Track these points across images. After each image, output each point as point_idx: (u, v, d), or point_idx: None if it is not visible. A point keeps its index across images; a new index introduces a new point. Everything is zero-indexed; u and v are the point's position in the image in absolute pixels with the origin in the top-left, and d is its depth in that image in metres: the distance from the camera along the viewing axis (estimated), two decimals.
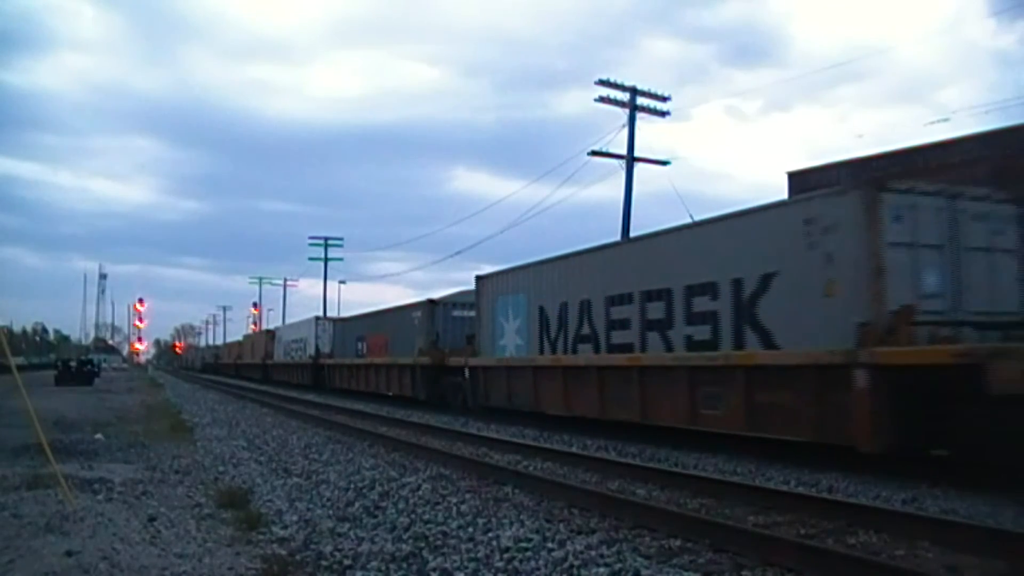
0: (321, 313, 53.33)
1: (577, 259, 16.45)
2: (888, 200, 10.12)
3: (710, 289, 12.45)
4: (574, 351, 16.03)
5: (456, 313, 23.93)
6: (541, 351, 17.23)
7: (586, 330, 15.65)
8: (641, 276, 14.14)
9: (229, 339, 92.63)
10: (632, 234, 23.24)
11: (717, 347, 12.28)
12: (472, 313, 20.77)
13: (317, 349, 36.74)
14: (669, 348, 13.36)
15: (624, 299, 14.48)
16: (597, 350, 15.28)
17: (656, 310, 13.68)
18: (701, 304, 12.68)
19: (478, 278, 20.69)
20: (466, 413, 20.16)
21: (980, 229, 10.64)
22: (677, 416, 12.87)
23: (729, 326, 12.09)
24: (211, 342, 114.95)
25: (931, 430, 9.33)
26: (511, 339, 18.56)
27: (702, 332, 12.61)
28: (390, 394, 26.44)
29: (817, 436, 10.46)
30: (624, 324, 14.49)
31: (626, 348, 14.41)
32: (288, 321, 56.15)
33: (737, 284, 11.92)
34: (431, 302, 24.78)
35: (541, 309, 17.23)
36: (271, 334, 51.03)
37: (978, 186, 10.80)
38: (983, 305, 10.39)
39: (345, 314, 42.82)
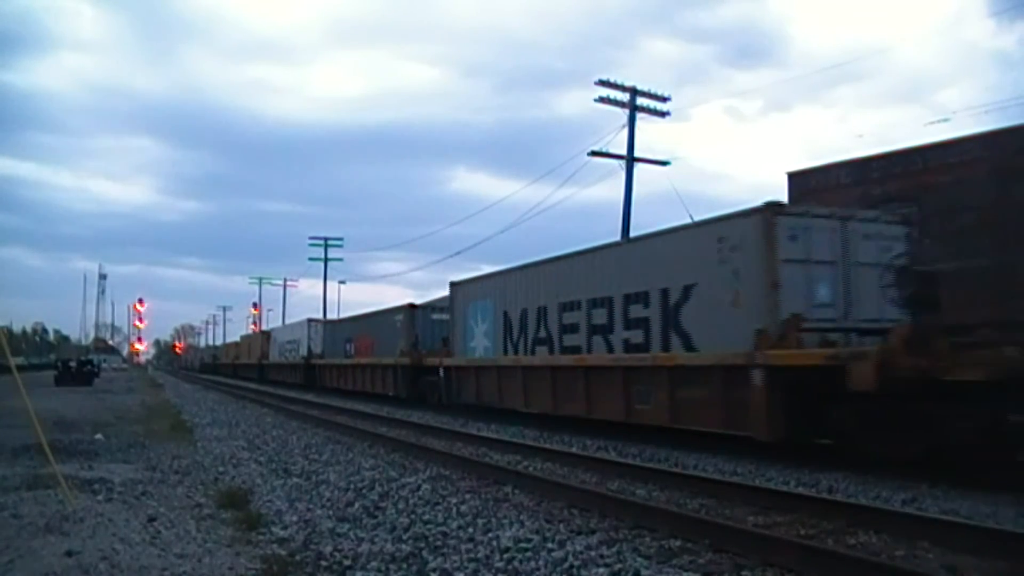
0: (321, 314, 53.70)
1: (536, 269, 17.96)
2: (784, 222, 11.57)
3: (643, 298, 13.98)
4: (532, 352, 17.59)
5: (435, 316, 25.13)
6: (505, 352, 18.74)
7: (543, 333, 17.20)
8: (588, 285, 15.63)
9: (229, 339, 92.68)
10: (632, 234, 23.77)
11: (648, 349, 13.79)
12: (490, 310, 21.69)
13: (309, 350, 38.19)
14: (610, 350, 14.86)
15: (574, 306, 16.05)
16: (551, 352, 16.80)
17: (600, 316, 15.22)
18: (636, 311, 14.19)
19: (452, 284, 22.08)
20: (441, 409, 21.43)
21: (870, 246, 12.02)
22: (616, 411, 14.37)
23: (658, 331, 13.59)
24: (211, 342, 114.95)
25: (814, 422, 10.74)
26: (480, 341, 20.05)
27: (636, 336, 14.16)
28: (374, 392, 27.88)
29: (725, 427, 11.97)
30: (574, 328, 16.02)
31: (575, 350, 15.92)
32: (287, 322, 57.26)
33: (664, 294, 13.44)
34: (412, 306, 26.25)
35: (505, 314, 18.77)
36: (267, 335, 52.37)
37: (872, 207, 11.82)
38: (872, 314, 11.69)
39: (345, 314, 43.81)
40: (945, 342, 9.43)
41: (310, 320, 41.35)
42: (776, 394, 10.90)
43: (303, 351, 39.13)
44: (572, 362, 15.81)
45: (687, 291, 12.99)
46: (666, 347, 13.38)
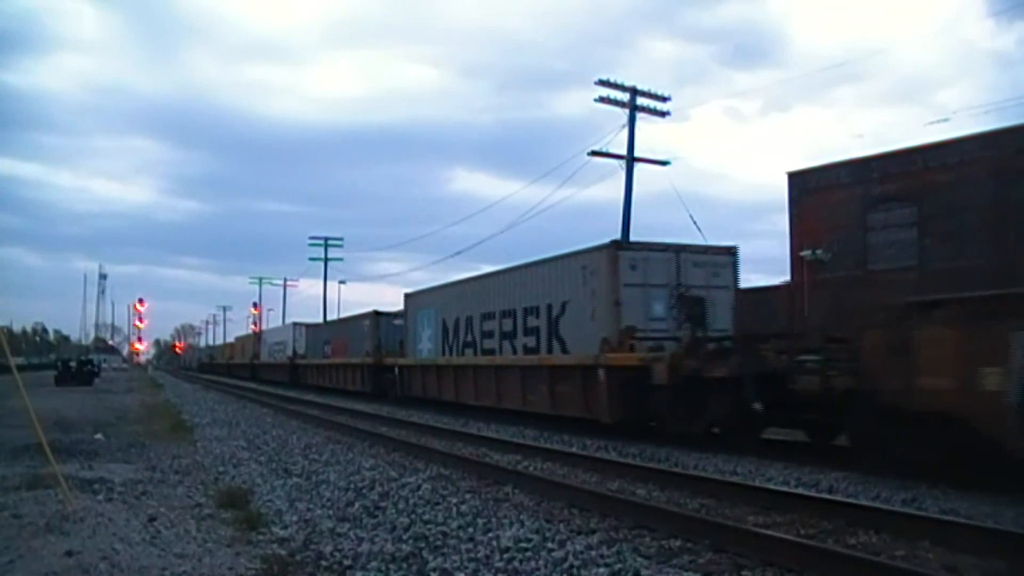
0: (321, 313, 53.82)
1: (466, 284, 21.79)
2: (625, 255, 15.03)
3: (535, 311, 17.52)
4: (462, 354, 21.24)
5: (396, 322, 27.89)
6: (443, 354, 22.41)
7: (469, 338, 20.81)
8: (500, 299, 19.21)
9: (229, 339, 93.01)
10: (631, 235, 24.77)
11: (538, 352, 17.29)
12: (435, 319, 24.78)
13: (294, 351, 41.76)
14: (514, 352, 18.40)
15: (491, 316, 19.56)
16: (475, 353, 20.41)
17: (507, 324, 18.77)
18: (531, 321, 17.66)
19: (406, 296, 26.15)
20: (396, 402, 25.14)
21: (700, 273, 15.41)
22: (516, 402, 17.93)
23: (545, 337, 17.07)
24: (211, 342, 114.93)
25: (640, 408, 13.95)
26: (425, 344, 23.83)
27: (531, 341, 17.71)
28: (346, 388, 31.66)
29: (585, 413, 15.39)
30: (491, 335, 19.60)
31: (491, 352, 19.53)
32: (286, 321, 57.69)
33: (549, 308, 16.96)
34: (376, 313, 29.79)
35: (444, 321, 22.38)
36: (258, 337, 56.40)
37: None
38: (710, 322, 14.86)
39: (344, 314, 45.03)
40: (707, 349, 13.03)
41: (295, 324, 44.56)
42: (614, 387, 14.22)
43: (289, 352, 42.60)
44: (487, 362, 19.53)
45: (564, 306, 16.41)
46: (549, 350, 16.85)
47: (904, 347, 9.01)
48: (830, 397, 10.21)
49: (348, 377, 31.89)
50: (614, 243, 15.35)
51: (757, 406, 11.73)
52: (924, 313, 9.39)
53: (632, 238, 23.10)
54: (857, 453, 10.16)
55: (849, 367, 9.99)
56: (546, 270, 17.28)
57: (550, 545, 6.28)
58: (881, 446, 9.51)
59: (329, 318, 48.89)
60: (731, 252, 16.01)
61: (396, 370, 26.05)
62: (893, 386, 9.05)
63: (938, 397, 8.58)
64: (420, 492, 8.82)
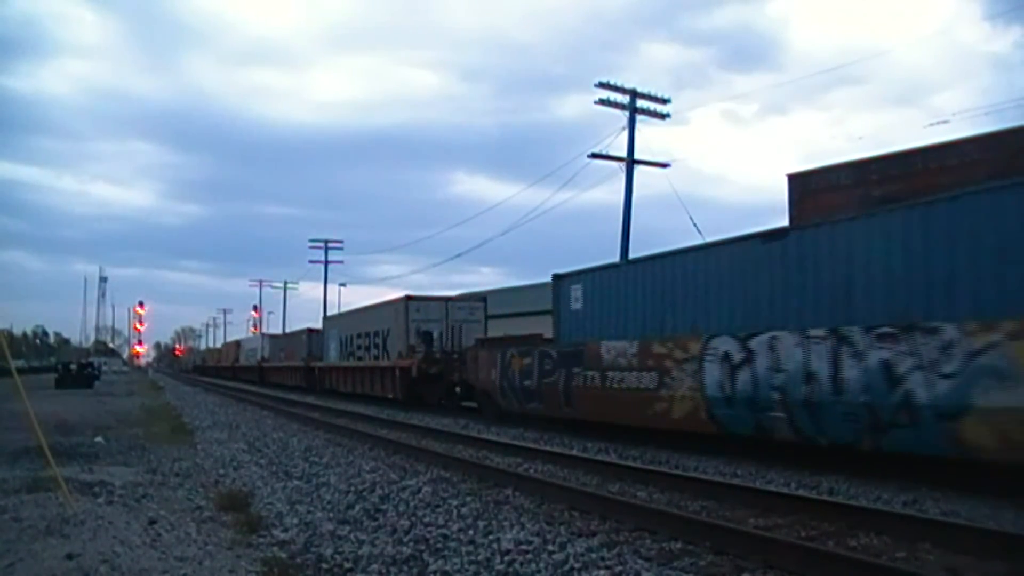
0: (321, 315, 54.54)
1: (352, 314, 33.38)
2: (412, 304, 25.49)
3: (377, 334, 28.17)
4: (348, 359, 31.86)
5: (326, 335, 36.93)
6: (339, 359, 33.29)
7: (350, 348, 31.61)
8: (364, 325, 29.97)
9: (221, 345, 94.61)
10: (632, 233, 26.45)
11: (378, 359, 27.69)
12: (338, 336, 34.73)
13: (262, 356, 51.19)
14: (369, 359, 29.00)
15: (361, 335, 30.22)
16: (353, 359, 31.08)
17: (366, 341, 29.42)
18: (377, 339, 28.09)
19: (324, 318, 39.77)
20: (317, 394, 34.27)
21: (461, 311, 25.87)
22: (367, 389, 28.51)
23: (381, 350, 27.58)
24: (211, 346, 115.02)
25: (416, 392, 24.04)
26: (332, 352, 34.53)
27: (376, 352, 28.18)
28: (291, 384, 41.18)
29: (392, 394, 25.46)
30: (359, 347, 30.31)
31: (360, 358, 30.15)
32: (288, 328, 62.88)
33: (379, 333, 27.84)
34: (309, 330, 40.89)
35: (340, 337, 33.26)
36: (238, 344, 65.91)
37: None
38: (462, 344, 24.02)
39: None
40: (432, 358, 23.80)
41: (263, 334, 57.90)
42: (400, 379, 24.82)
43: (258, 356, 51.97)
44: (356, 364, 30.59)
45: (388, 331, 26.95)
46: (378, 358, 27.74)
47: (473, 358, 20.60)
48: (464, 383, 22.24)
49: (292, 376, 41.79)
50: (407, 297, 26.00)
51: (457, 389, 23.14)
52: (483, 343, 21.33)
53: (632, 241, 25.79)
54: (480, 409, 20.54)
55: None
56: (382, 310, 28.22)
57: (550, 547, 6.27)
58: (480, 404, 20.59)
59: (274, 333, 59.72)
60: (482, 299, 27.64)
61: (316, 370, 36.90)
62: (471, 376, 20.95)
63: (481, 382, 20.01)
64: (420, 495, 8.81)
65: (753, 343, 11.49)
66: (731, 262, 12.40)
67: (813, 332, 10.57)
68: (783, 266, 11.31)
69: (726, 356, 11.97)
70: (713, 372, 12.15)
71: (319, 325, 39.49)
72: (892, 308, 9.64)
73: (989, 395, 8.40)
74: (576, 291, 16.41)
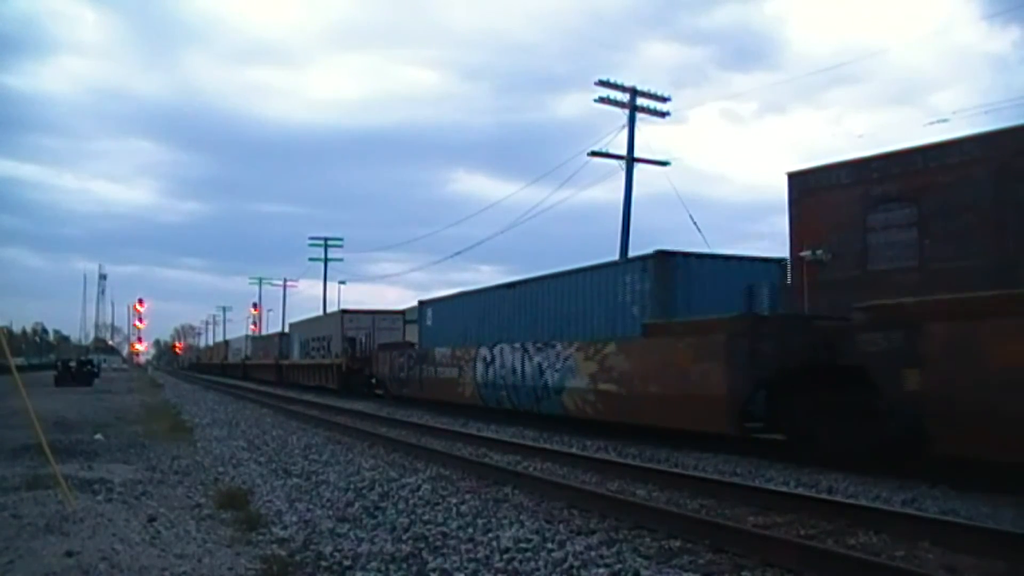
0: (321, 312, 55.26)
1: (309, 321, 42.09)
2: (347, 317, 34.68)
3: (325, 338, 36.32)
4: (304, 357, 40.01)
5: (291, 338, 45.28)
6: (300, 358, 41.21)
7: (308, 350, 39.36)
8: (317, 331, 38.09)
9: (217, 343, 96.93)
10: (631, 233, 27.12)
11: (326, 357, 35.62)
12: (299, 339, 43.14)
13: (246, 355, 58.40)
14: (320, 358, 36.66)
15: (315, 339, 38.09)
16: (310, 358, 38.76)
17: (320, 344, 37.04)
18: (324, 343, 36.34)
19: (290, 324, 48.85)
20: (284, 387, 40.62)
21: (385, 325, 34.35)
22: (318, 381, 36.02)
23: (328, 350, 35.47)
24: (210, 343, 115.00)
25: (347, 383, 32.16)
26: (295, 352, 42.39)
27: (323, 353, 36.34)
28: (264, 379, 47.97)
29: (332, 385, 33.72)
30: (315, 348, 37.88)
31: (315, 357, 37.55)
32: (286, 323, 62.20)
33: (328, 337, 35.97)
34: (281, 333, 50.09)
35: (300, 340, 41.38)
36: (226, 343, 75.34)
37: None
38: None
39: None
40: (356, 357, 32.50)
41: (247, 335, 67.48)
42: (339, 374, 32.83)
43: (243, 355, 59.43)
44: (310, 362, 38.58)
45: (331, 337, 34.85)
46: (326, 357, 35.33)
47: (376, 357, 29.58)
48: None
49: (265, 373, 49.27)
50: (342, 311, 34.97)
51: (373, 380, 29.72)
52: (381, 347, 29.79)
53: (632, 239, 26.33)
54: (384, 394, 26.83)
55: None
56: (328, 320, 37.58)
57: (550, 545, 6.28)
58: (383, 390, 28.29)
59: (257, 334, 70.03)
60: (401, 313, 35.57)
61: (283, 367, 44.54)
62: (376, 370, 29.44)
63: (380, 374, 28.86)
64: (420, 492, 8.81)
65: (495, 350, 19.17)
66: (493, 301, 20.62)
67: (515, 344, 18.26)
68: (511, 305, 19.50)
69: (484, 358, 19.70)
70: (479, 368, 19.90)
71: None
72: (546, 332, 17.46)
73: (569, 381, 15.80)
74: (429, 313, 24.88)
